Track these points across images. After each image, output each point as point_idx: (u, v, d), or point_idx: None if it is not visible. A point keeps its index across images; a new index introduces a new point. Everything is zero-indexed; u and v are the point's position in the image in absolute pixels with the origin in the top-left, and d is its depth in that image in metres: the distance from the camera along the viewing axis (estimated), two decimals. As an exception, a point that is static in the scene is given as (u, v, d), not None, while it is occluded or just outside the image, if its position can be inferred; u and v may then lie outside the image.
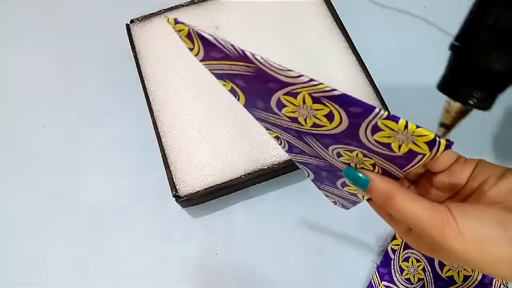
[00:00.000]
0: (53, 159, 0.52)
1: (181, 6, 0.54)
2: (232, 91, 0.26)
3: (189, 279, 0.45)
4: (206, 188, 0.45)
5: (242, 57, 0.21)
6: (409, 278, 0.44)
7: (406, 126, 0.21)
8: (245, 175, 0.45)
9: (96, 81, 0.55)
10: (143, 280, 0.46)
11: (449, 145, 0.21)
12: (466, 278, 0.43)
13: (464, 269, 0.43)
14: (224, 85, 0.26)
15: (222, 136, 0.47)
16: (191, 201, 0.45)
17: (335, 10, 0.52)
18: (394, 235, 0.45)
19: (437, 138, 0.21)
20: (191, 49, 0.24)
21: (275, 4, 0.53)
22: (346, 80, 0.48)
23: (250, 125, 0.47)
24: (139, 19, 0.53)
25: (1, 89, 0.56)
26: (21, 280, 0.46)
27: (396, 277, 0.44)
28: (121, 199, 0.49)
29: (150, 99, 0.49)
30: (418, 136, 0.21)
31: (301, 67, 0.49)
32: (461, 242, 0.22)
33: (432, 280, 0.43)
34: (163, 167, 0.45)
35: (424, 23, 0.57)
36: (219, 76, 0.25)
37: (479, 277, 0.43)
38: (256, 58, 0.21)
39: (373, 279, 0.44)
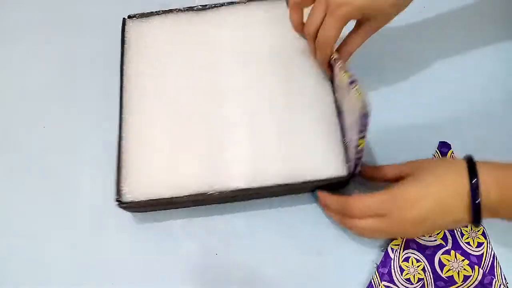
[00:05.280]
0: (53, 159, 0.52)
1: (180, 10, 0.54)
2: None
3: (189, 279, 0.45)
4: (150, 199, 0.44)
5: None
6: (409, 278, 0.44)
7: None
8: (196, 194, 0.44)
9: (96, 81, 0.55)
10: (143, 280, 0.46)
11: None
12: (466, 278, 0.43)
13: (464, 269, 0.43)
14: None
15: (187, 151, 0.46)
16: (135, 208, 0.46)
17: None
18: (394, 235, 0.45)
19: None
20: None
21: (273, 14, 0.52)
22: (322, 130, 0.47)
23: (219, 146, 0.46)
24: (137, 16, 0.54)
25: (1, 89, 0.57)
26: (21, 280, 0.46)
27: (396, 277, 0.44)
28: (121, 199, 0.49)
29: (123, 98, 0.49)
30: None
31: (300, 71, 0.49)
32: None
33: (432, 280, 0.43)
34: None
35: (422, 24, 0.56)
36: None
37: (479, 277, 0.43)
38: None
39: (373, 279, 0.44)
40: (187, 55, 0.51)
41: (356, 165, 0.42)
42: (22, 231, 0.48)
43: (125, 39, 0.52)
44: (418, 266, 0.44)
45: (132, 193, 0.44)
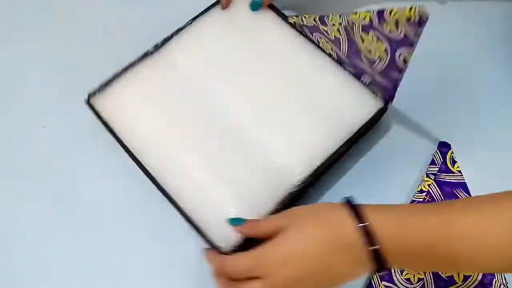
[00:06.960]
0: (53, 159, 0.52)
1: (133, 64, 0.50)
2: None
3: (189, 279, 0.45)
4: None
5: None
6: (409, 278, 0.44)
7: None
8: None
9: (96, 81, 0.55)
10: (143, 280, 0.46)
11: None
12: (466, 278, 0.43)
13: (464, 269, 0.44)
14: None
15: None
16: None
17: None
18: (394, 235, 0.45)
19: None
20: None
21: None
22: (338, 83, 0.48)
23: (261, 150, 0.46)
24: (97, 91, 0.49)
25: (1, 89, 0.57)
26: (22, 280, 0.46)
27: (396, 277, 0.44)
28: (121, 199, 0.49)
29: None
30: None
31: (284, 52, 0.49)
32: None
33: (432, 280, 0.43)
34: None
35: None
36: None
37: (479, 277, 0.43)
38: None
39: (373, 279, 0.44)
40: (170, 99, 0.49)
41: (396, 82, 0.43)
42: (22, 231, 0.48)
43: (101, 116, 0.48)
44: (418, 266, 0.44)
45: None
